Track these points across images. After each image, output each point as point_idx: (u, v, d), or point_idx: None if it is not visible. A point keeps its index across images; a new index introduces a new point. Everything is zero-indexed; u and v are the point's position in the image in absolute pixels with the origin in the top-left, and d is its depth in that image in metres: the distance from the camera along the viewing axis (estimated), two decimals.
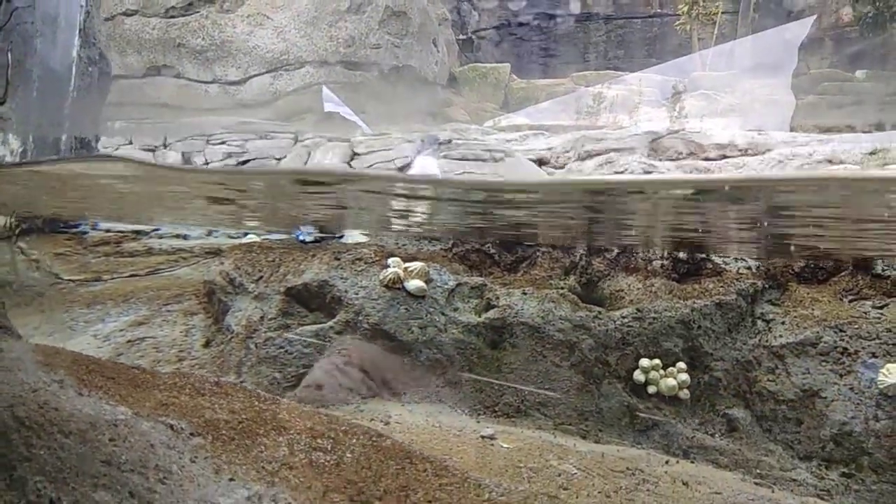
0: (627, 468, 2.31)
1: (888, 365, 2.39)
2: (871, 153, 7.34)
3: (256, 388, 2.58)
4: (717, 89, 11.71)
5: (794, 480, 2.32)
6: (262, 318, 2.73)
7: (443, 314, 2.71)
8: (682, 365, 2.60)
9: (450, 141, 7.49)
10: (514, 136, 8.74)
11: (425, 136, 4.52)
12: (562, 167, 8.23)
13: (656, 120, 11.03)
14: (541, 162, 8.13)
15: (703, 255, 2.81)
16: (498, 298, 2.74)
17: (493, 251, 3.08)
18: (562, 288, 2.81)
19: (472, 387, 2.65)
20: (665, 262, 2.81)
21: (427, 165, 4.27)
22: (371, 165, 7.57)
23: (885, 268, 2.85)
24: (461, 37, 17.44)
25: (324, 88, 10.36)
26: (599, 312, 2.67)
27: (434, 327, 2.69)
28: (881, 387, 2.37)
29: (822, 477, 2.32)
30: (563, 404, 2.61)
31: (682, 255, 2.83)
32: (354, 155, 7.89)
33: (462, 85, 12.82)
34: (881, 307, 2.59)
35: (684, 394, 2.60)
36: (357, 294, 2.69)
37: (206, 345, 2.90)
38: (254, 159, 7.90)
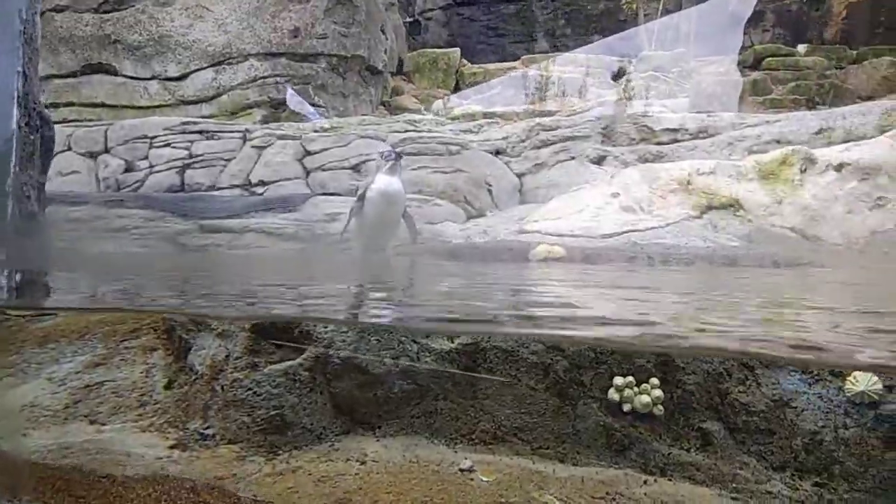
0: (608, 493, 2.32)
1: (855, 373, 2.44)
2: (818, 132, 7.54)
3: (225, 433, 2.49)
4: (666, 69, 11.84)
5: (769, 493, 2.37)
6: (227, 357, 2.63)
7: (415, 342, 2.65)
8: (655, 381, 2.61)
9: (404, 139, 7.37)
10: (468, 125, 8.67)
11: (384, 152, 4.40)
12: (518, 156, 8.22)
13: (606, 102, 11.09)
14: (497, 152, 8.10)
15: None
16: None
17: None
18: None
19: (448, 415, 2.61)
20: None
21: (389, 188, 4.16)
22: (324, 165, 7.40)
23: None
24: (408, 19, 17.18)
25: (289, 89, 10.05)
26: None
27: (407, 357, 2.63)
28: (849, 395, 2.42)
29: (796, 488, 2.37)
30: (540, 428, 2.60)
31: None
32: (307, 153, 7.70)
33: (413, 72, 12.64)
34: None
35: (658, 410, 2.61)
36: (326, 327, 2.61)
37: (168, 386, 2.79)
38: (200, 163, 7.63)
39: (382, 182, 4.19)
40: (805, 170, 6.08)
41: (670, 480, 2.46)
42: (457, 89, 12.32)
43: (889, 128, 6.54)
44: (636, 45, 13.90)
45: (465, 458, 2.45)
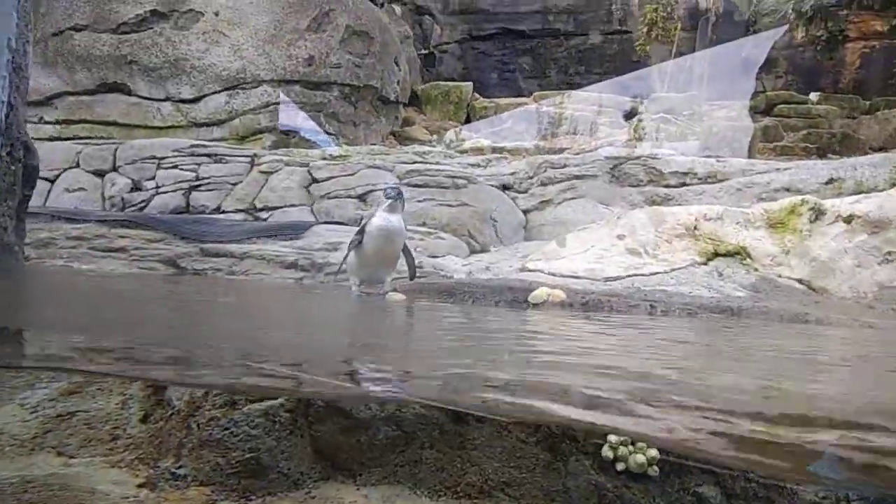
0: None
1: None
2: (828, 182, 7.47)
3: (197, 474, 2.38)
4: (677, 111, 11.86)
5: None
6: (206, 393, 2.53)
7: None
8: None
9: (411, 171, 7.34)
10: (476, 159, 8.66)
11: (386, 188, 4.36)
12: (525, 192, 8.19)
13: (616, 141, 11.09)
14: (504, 187, 8.07)
15: None
16: None
17: None
18: None
19: (433, 465, 2.49)
20: None
21: (389, 225, 4.10)
22: (330, 193, 7.38)
23: None
24: (423, 51, 17.38)
25: (282, 107, 10.12)
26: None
27: (393, 402, 2.53)
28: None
29: None
30: (528, 483, 2.48)
31: None
32: (313, 180, 7.69)
33: (424, 103, 12.72)
34: None
35: (653, 470, 2.49)
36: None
37: (144, 420, 2.68)
38: (206, 185, 7.63)
39: (383, 218, 4.14)
40: (814, 220, 6.00)
41: None
42: (468, 122, 12.38)
43: None
44: (648, 86, 13.97)
45: None
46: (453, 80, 13.76)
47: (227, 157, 7.99)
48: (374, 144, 10.22)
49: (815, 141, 10.77)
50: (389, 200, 4.10)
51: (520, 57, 17.90)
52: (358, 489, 2.46)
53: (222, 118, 10.03)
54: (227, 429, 2.42)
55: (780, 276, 5.42)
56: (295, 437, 2.48)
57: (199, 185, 7.70)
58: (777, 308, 4.03)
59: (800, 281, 5.40)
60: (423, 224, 6.72)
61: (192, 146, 8.16)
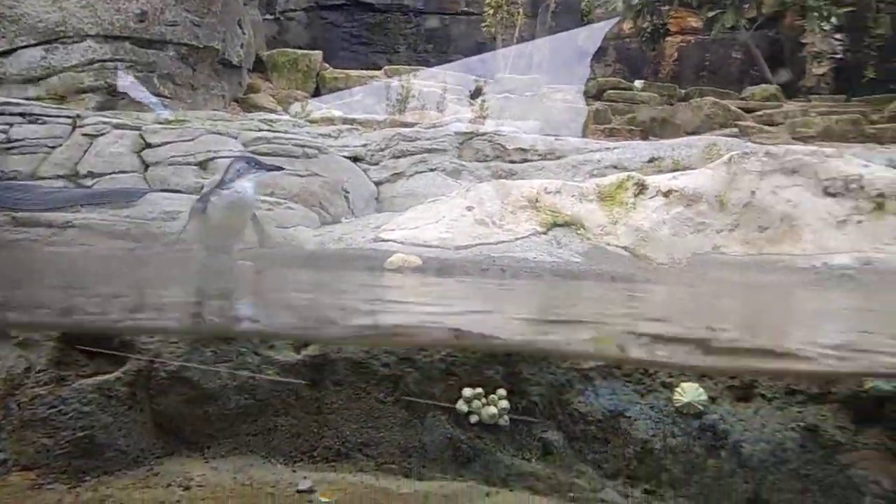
0: None
1: (682, 384, 2.61)
2: (650, 161, 8.21)
3: (19, 458, 2.14)
4: (519, 92, 12.37)
5: (603, 500, 2.45)
6: (27, 369, 2.27)
7: (256, 354, 2.45)
8: (502, 392, 2.62)
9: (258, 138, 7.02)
10: (327, 130, 8.46)
11: (236, 156, 4.13)
12: (376, 164, 8.14)
13: (463, 118, 11.35)
14: (355, 159, 7.97)
15: None
16: None
17: None
18: None
19: (288, 432, 2.44)
20: None
21: (237, 194, 3.90)
22: (166, 159, 6.85)
23: None
24: (268, 16, 16.56)
25: (109, 65, 9.18)
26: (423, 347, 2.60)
27: (247, 370, 2.43)
28: (677, 405, 2.58)
29: (627, 495, 2.48)
30: (386, 442, 2.51)
31: None
32: (147, 145, 7.08)
33: (271, 70, 12.14)
34: None
35: (504, 421, 2.62)
36: (152, 336, 2.34)
37: None
38: (19, 148, 6.75)
39: (231, 186, 3.91)
40: (638, 194, 6.55)
41: (511, 491, 2.48)
42: (317, 93, 12.01)
43: (709, 160, 7.25)
44: (492, 68, 14.43)
45: (305, 478, 2.30)
46: (301, 48, 13.26)
47: (44, 118, 7.10)
48: (216, 110, 9.60)
49: (639, 124, 11.75)
50: (240, 166, 3.89)
51: (369, 31, 17.66)
52: (207, 462, 2.34)
53: (38, 75, 8.90)
54: (54, 406, 2.19)
55: (608, 244, 5.88)
56: (134, 412, 2.30)
57: (11, 149, 6.79)
58: (608, 270, 4.39)
59: (625, 248, 5.90)
60: (272, 194, 6.46)
61: (2, 104, 7.16)
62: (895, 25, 14.45)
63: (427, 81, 12.94)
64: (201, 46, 10.06)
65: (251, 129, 7.44)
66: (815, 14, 13.54)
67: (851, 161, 6.39)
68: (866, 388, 2.31)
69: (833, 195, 6.23)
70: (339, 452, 2.44)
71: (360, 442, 2.46)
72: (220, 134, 7.25)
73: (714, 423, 2.50)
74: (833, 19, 13.67)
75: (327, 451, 2.44)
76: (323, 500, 2.18)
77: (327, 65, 12.74)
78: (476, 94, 13.18)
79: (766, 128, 11.65)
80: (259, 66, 12.06)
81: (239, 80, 11.20)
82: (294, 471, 2.36)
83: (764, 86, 13.95)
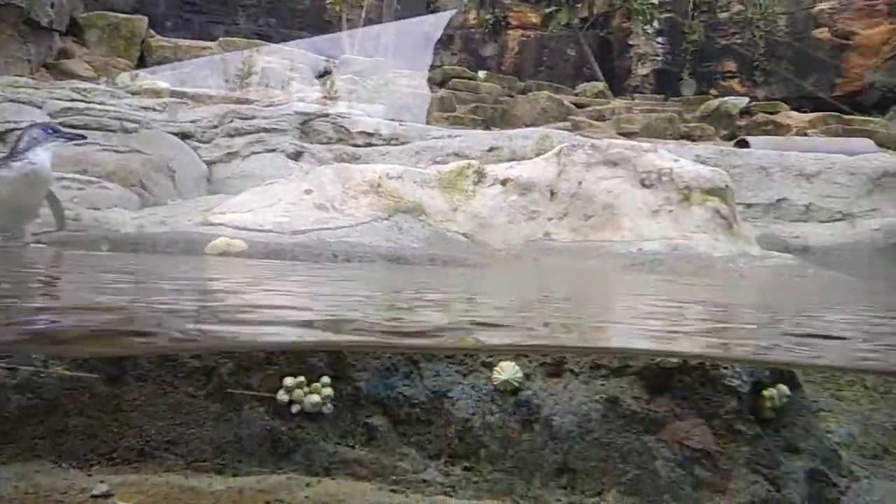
0: (267, 502, 2.19)
1: (501, 363, 2.71)
2: (489, 150, 8.49)
3: None
4: (365, 75, 12.22)
5: (425, 481, 2.48)
6: None
7: None
8: (326, 379, 2.57)
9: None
10: (151, 103, 7.81)
11: (33, 124, 3.66)
12: (208, 142, 7.67)
13: (308, 98, 11.01)
14: (185, 136, 7.44)
15: None
16: None
17: None
18: None
19: (83, 433, 2.20)
20: None
21: (30, 167, 3.46)
22: None
23: None
24: None
25: None
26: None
27: (31, 365, 2.16)
28: (495, 383, 2.68)
29: (448, 473, 2.53)
30: (197, 439, 2.35)
31: None
32: None
33: (87, 35, 10.95)
34: None
35: (328, 408, 2.57)
36: None
37: None
38: None
39: (24, 156, 3.46)
40: (477, 182, 6.73)
41: (333, 479, 2.44)
42: (141, 63, 11.03)
43: (543, 151, 7.62)
44: (340, 48, 14.12)
45: (101, 482, 2.09)
46: (124, 13, 12.09)
47: None
48: (20, 76, 8.50)
49: (481, 114, 12.12)
50: (33, 135, 3.45)
51: None
52: None
53: None
54: None
55: (448, 230, 6.00)
56: None
57: None
58: (442, 255, 4.48)
59: (465, 234, 6.05)
60: (84, 171, 5.84)
61: None
62: (708, 33, 16.14)
63: (270, 58, 12.38)
64: (2, 3, 8.86)
65: (60, 99, 6.67)
66: (640, 17, 14.72)
67: (664, 156, 7.01)
68: (657, 361, 2.54)
69: (648, 187, 6.80)
70: (143, 452, 2.25)
71: (166, 440, 2.28)
72: (22, 102, 6.43)
73: (528, 398, 2.63)
74: (655, 23, 14.96)
75: (128, 452, 2.24)
76: (120, 503, 2.00)
77: (154, 32, 11.74)
78: (323, 74, 12.84)
79: (595, 123, 12.51)
80: (74, 30, 10.84)
81: (49, 43, 10.00)
82: (89, 475, 2.14)
83: (594, 83, 14.97)
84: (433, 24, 15.54)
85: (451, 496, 2.42)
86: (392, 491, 2.41)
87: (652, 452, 2.49)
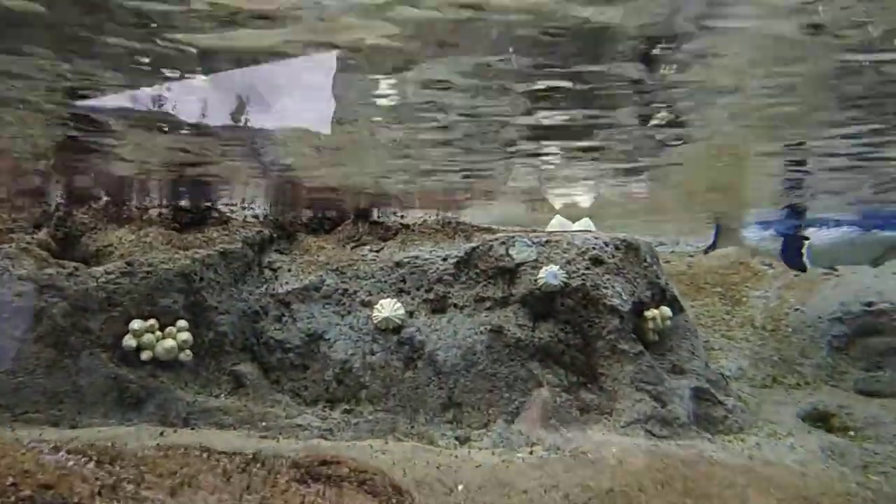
0: (108, 448, 1.92)
1: (382, 300, 2.54)
2: None
3: None
4: None
5: (300, 426, 2.27)
6: None
7: None
8: (182, 323, 2.31)
9: None
10: None
11: None
12: None
13: None
14: None
15: (209, 204, 2.57)
16: None
17: None
18: (28, 243, 2.21)
19: None
20: (164, 211, 2.46)
21: None
22: None
23: (381, 216, 3.09)
24: None
25: None
26: (76, 269, 2.18)
27: None
28: (376, 322, 2.50)
29: (326, 417, 2.33)
30: (27, 388, 2.04)
31: (184, 203, 2.53)
32: None
33: None
34: (377, 250, 2.76)
35: (186, 355, 2.31)
36: None
37: None
38: None
39: None
40: None
41: (192, 429, 2.18)
42: None
43: None
44: None
45: None
46: None
47: None
48: None
49: None
50: None
51: None
52: None
53: None
54: None
55: None
56: None
57: None
58: None
59: None
60: None
61: None
62: None
63: None
64: None
65: None
66: None
67: None
68: (540, 286, 2.45)
69: None
70: None
71: None
72: None
73: (411, 335, 2.47)
74: None
75: None
76: None
77: None
78: None
79: None
80: None
81: None
82: None
83: None
84: None
85: (327, 439, 2.22)
86: (262, 437, 2.18)
87: (538, 378, 2.39)
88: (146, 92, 1.77)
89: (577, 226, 3.04)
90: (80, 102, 1.76)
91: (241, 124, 1.99)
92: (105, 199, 2.43)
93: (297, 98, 1.87)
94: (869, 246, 5.29)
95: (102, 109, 1.86)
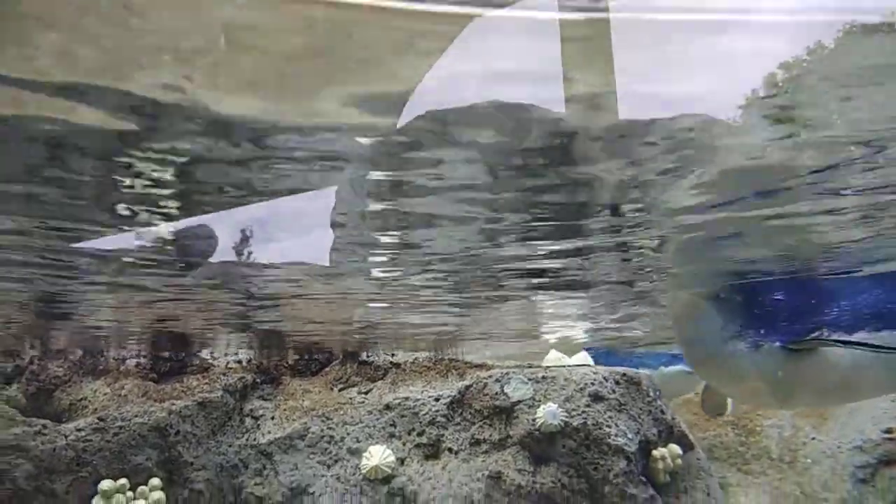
0: None
1: (370, 448, 2.39)
2: None
3: None
4: None
5: None
6: None
7: None
8: (155, 482, 2.14)
9: None
10: None
11: None
12: None
13: None
14: None
15: (189, 352, 2.48)
16: None
17: None
18: None
19: None
20: (142, 361, 2.37)
21: None
22: None
23: (370, 355, 2.99)
24: None
25: None
26: (44, 427, 2.05)
27: None
28: (364, 471, 2.33)
29: None
30: None
31: (164, 353, 2.45)
32: None
33: None
34: (366, 392, 2.64)
35: None
36: None
37: None
38: None
39: None
40: None
41: None
42: None
43: None
44: None
45: None
46: None
47: None
48: None
49: None
50: None
51: None
52: None
53: None
54: None
55: None
56: None
57: None
58: None
59: None
60: None
61: None
62: None
63: None
64: None
65: None
66: None
67: None
68: (539, 426, 2.31)
69: None
70: None
71: None
72: None
73: (403, 485, 2.29)
74: None
75: None
76: None
77: None
78: None
79: None
80: None
81: None
82: None
83: None
84: None
85: None
86: None
87: None
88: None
89: (573, 360, 2.94)
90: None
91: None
92: (80, 351, 2.35)
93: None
94: None
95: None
